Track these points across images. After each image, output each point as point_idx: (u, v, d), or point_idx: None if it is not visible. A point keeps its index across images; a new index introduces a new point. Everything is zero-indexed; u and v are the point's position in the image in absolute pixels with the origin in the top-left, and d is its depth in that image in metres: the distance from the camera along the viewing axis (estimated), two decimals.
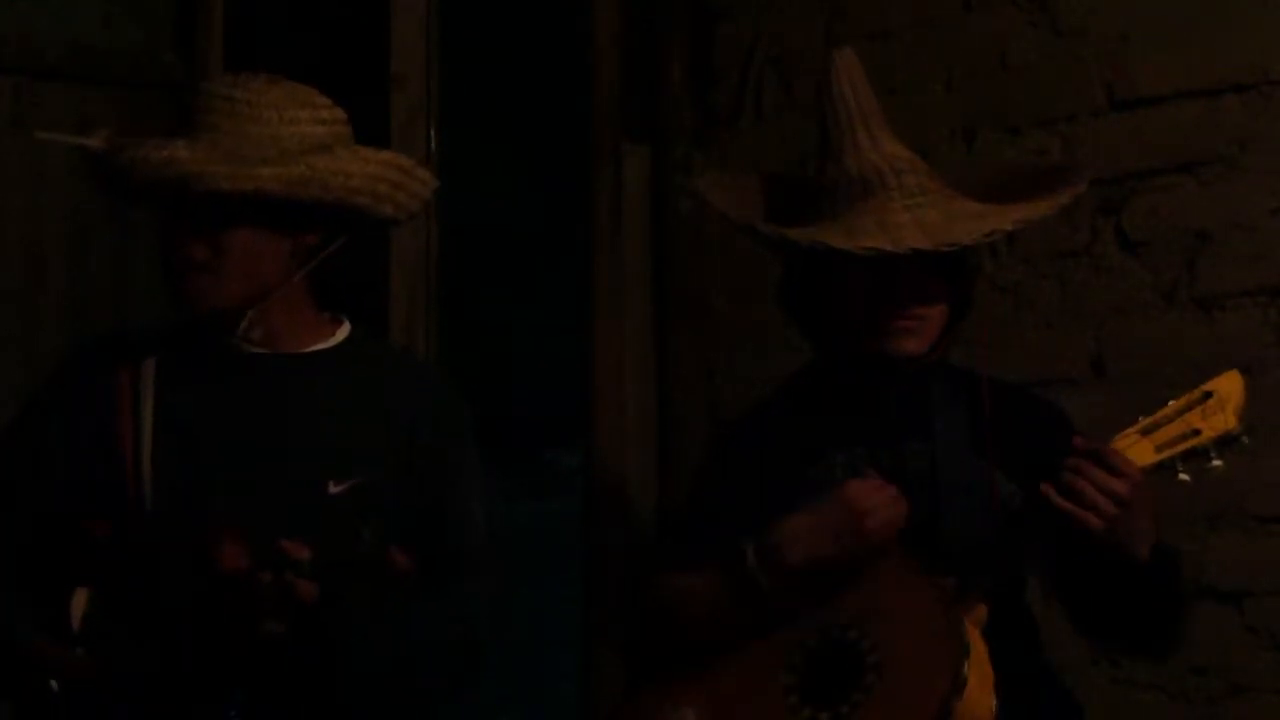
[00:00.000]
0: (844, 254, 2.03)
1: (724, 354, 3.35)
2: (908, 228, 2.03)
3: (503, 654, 2.20)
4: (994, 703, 1.89)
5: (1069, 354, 2.89)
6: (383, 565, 1.82)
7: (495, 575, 2.14)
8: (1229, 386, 1.95)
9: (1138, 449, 1.94)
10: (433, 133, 3.24)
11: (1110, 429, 2.21)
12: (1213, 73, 2.76)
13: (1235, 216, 2.74)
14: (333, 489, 2.02)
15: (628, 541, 3.29)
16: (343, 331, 2.16)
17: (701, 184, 2.39)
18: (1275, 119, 2.71)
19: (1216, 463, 1.93)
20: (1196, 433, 1.93)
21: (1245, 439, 1.94)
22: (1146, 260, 2.83)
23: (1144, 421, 1.96)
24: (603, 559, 3.30)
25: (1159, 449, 1.94)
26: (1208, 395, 1.94)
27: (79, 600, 1.93)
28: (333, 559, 1.82)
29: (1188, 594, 2.13)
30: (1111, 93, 2.88)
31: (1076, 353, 2.89)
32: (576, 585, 3.36)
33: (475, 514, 2.15)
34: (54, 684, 1.90)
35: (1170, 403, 1.96)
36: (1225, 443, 1.93)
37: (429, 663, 2.06)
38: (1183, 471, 1.94)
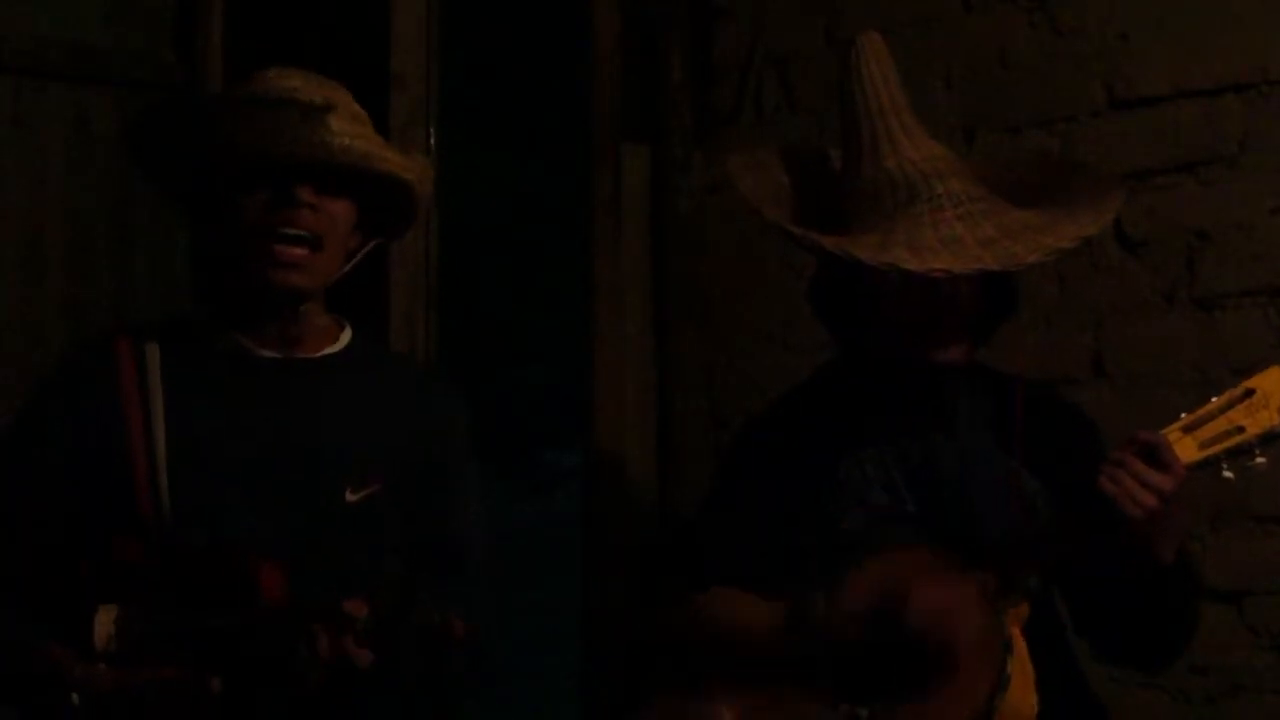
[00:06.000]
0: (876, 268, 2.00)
1: (724, 354, 3.34)
2: (940, 251, 1.99)
3: (502, 654, 2.20)
4: (1036, 700, 1.88)
5: (1069, 354, 2.89)
6: (441, 634, 1.82)
7: (493, 580, 2.13)
8: (1271, 383, 1.92)
9: (1181, 446, 1.91)
10: (433, 132, 3.23)
11: (1110, 429, 2.21)
12: (1213, 73, 2.76)
13: (1235, 216, 2.74)
14: (350, 497, 2.01)
15: (628, 541, 3.29)
16: (346, 335, 2.13)
17: (731, 168, 2.27)
18: (1275, 119, 2.71)
19: (1260, 459, 1.90)
20: (1241, 429, 1.90)
21: None
22: (1146, 260, 2.83)
23: (1186, 418, 1.93)
24: (603, 559, 3.30)
25: (1202, 446, 1.91)
26: (1250, 392, 1.91)
27: (104, 618, 1.88)
28: (390, 626, 1.81)
29: (1197, 608, 2.11)
30: (1111, 93, 2.88)
31: (1076, 352, 2.89)
32: (576, 585, 3.36)
33: (477, 519, 2.15)
34: (75, 697, 1.86)
35: (1212, 399, 1.93)
36: (1270, 439, 1.90)
37: (434, 667, 2.05)
38: (1227, 469, 1.91)
